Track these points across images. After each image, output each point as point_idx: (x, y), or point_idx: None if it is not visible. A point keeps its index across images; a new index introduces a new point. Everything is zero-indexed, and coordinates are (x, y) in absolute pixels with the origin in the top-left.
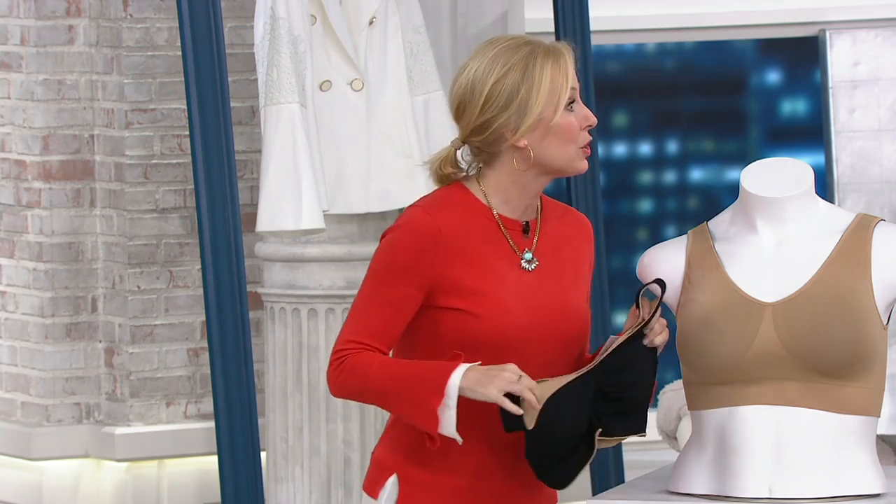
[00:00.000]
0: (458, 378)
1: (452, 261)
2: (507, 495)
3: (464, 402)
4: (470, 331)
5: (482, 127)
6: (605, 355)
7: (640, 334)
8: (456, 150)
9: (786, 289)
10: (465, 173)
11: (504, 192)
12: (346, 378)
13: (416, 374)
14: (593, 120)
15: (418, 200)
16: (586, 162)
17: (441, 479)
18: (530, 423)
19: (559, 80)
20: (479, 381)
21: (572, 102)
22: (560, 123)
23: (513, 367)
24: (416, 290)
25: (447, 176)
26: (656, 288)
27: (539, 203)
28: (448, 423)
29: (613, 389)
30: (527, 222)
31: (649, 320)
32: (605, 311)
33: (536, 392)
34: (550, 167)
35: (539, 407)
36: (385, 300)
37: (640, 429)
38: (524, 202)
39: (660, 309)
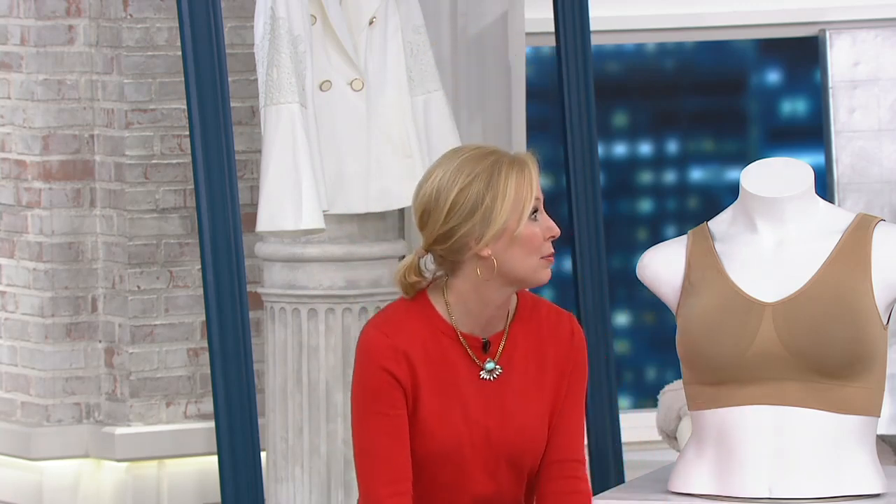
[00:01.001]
0: None
1: (408, 376)
2: None
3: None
4: (416, 446)
5: (446, 235)
6: None
7: None
8: (419, 258)
9: (786, 289)
10: (429, 283)
11: (465, 304)
12: None
13: None
14: (556, 231)
15: (376, 316)
16: (549, 272)
17: None
18: None
19: (524, 189)
20: None
21: (536, 212)
22: (524, 233)
23: None
24: (397, 408)
25: (411, 285)
26: None
27: (511, 308)
28: None
29: None
30: (487, 340)
31: None
32: (605, 312)
33: None
34: (513, 277)
35: None
36: (377, 432)
37: None
38: (486, 314)
39: None
